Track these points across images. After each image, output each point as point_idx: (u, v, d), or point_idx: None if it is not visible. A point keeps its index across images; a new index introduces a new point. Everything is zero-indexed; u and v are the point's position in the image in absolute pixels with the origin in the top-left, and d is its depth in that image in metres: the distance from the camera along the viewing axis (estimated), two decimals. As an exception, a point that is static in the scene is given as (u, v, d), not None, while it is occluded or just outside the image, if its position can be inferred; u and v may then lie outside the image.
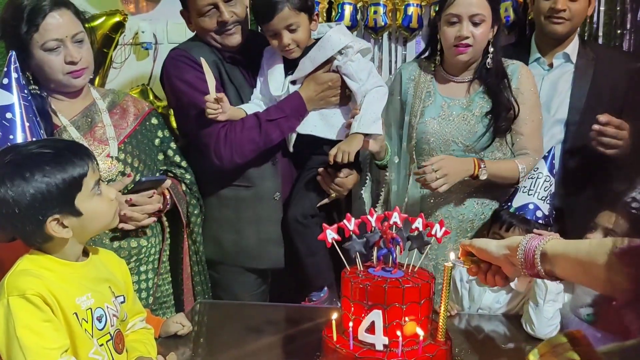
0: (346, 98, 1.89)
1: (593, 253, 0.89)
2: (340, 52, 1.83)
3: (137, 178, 1.74)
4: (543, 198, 1.79)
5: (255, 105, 1.90)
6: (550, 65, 2.11)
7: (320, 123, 1.88)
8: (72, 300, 1.20)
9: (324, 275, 1.90)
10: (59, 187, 1.17)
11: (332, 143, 1.87)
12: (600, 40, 2.37)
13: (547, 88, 2.09)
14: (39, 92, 1.65)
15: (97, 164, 1.27)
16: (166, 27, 2.60)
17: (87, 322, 1.22)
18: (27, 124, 1.47)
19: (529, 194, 1.80)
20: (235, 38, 1.89)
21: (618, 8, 2.40)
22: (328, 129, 1.88)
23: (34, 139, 1.45)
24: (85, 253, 1.30)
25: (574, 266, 0.95)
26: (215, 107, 1.76)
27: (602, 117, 1.87)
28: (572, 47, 2.10)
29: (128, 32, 2.56)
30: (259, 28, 1.95)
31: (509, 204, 1.83)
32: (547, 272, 1.00)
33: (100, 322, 1.24)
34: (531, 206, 1.79)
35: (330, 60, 1.84)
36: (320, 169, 1.89)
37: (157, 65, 2.61)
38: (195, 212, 1.94)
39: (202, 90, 1.80)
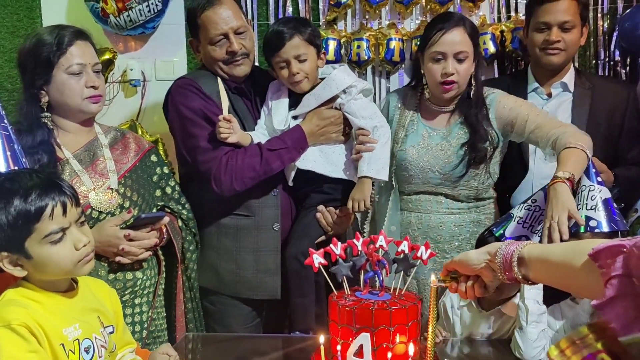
0: (346, 136, 1.94)
1: (567, 255, 0.91)
2: (344, 91, 1.89)
3: (136, 211, 1.76)
4: (537, 232, 1.78)
5: (260, 134, 1.94)
6: (549, 95, 2.17)
7: (320, 159, 1.91)
8: (59, 331, 1.19)
9: (309, 320, 1.90)
10: (3, 229, 1.16)
11: (332, 181, 1.91)
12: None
13: None
14: (47, 124, 1.71)
15: (75, 206, 1.23)
16: (154, 64, 2.66)
17: (74, 353, 1.20)
18: (8, 153, 1.49)
19: (523, 226, 1.77)
20: (242, 69, 1.94)
21: (592, 40, 2.50)
22: (328, 166, 1.91)
23: (15, 168, 1.46)
24: (75, 282, 1.30)
25: (549, 269, 0.97)
26: (227, 126, 1.80)
27: None
28: (569, 77, 2.16)
29: (117, 70, 2.61)
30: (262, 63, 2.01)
31: (502, 232, 1.81)
32: (524, 277, 1.02)
33: (87, 353, 1.23)
34: (524, 239, 1.77)
35: (333, 99, 1.90)
36: (320, 207, 1.92)
37: (145, 102, 2.66)
38: (191, 248, 1.94)
39: (208, 118, 1.85)
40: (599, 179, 1.75)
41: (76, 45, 1.71)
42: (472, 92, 1.93)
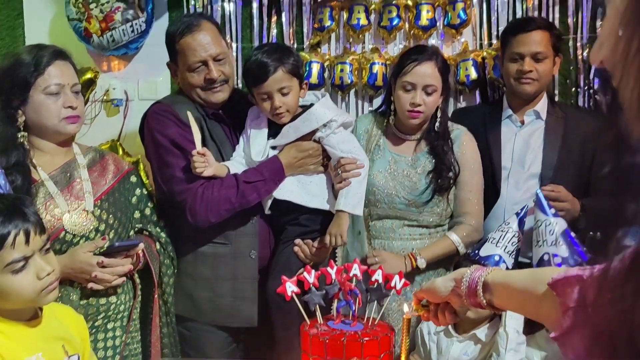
0: (324, 167, 1.93)
1: (530, 283, 0.91)
2: (324, 125, 1.87)
3: (112, 234, 1.73)
4: (509, 252, 1.82)
5: (237, 163, 1.91)
6: (522, 122, 2.20)
7: (297, 189, 1.89)
8: (20, 361, 1.16)
9: (293, 353, 1.86)
10: None
11: (309, 212, 1.89)
12: (556, 98, 2.48)
13: (520, 144, 2.18)
14: (24, 144, 1.68)
15: (39, 234, 1.20)
16: (137, 84, 2.65)
17: (35, 382, 1.17)
18: None
19: (496, 245, 1.84)
20: (220, 95, 1.91)
21: (572, 68, 2.53)
22: (305, 196, 1.89)
23: None
24: (40, 309, 1.26)
25: (512, 295, 0.96)
26: (202, 160, 1.76)
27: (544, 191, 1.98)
28: (542, 105, 2.21)
29: (99, 89, 2.60)
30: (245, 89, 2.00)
31: (476, 252, 1.86)
32: (489, 302, 1.01)
33: (50, 382, 1.20)
34: (496, 257, 1.82)
35: (313, 131, 1.88)
36: (297, 241, 1.91)
37: (127, 121, 2.64)
38: (168, 272, 1.91)
39: (183, 147, 1.81)
40: (553, 211, 1.75)
41: (55, 66, 1.69)
42: (437, 125, 2.01)
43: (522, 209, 1.87)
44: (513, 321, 1.59)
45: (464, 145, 2.05)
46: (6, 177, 1.59)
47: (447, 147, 2.01)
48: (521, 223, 1.85)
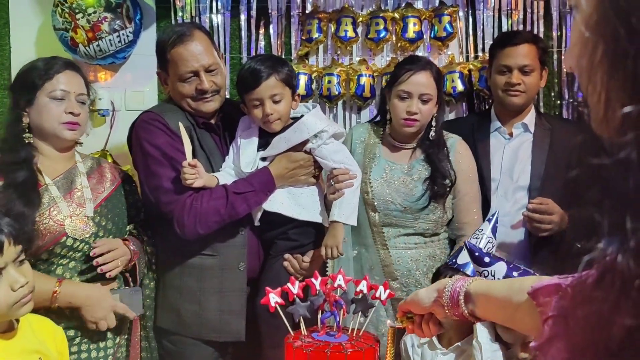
0: (315, 178, 1.91)
1: (510, 292, 0.90)
2: (315, 136, 1.85)
3: (110, 238, 1.78)
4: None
5: (227, 174, 1.88)
6: (511, 135, 2.23)
7: (287, 201, 1.87)
8: (-4, 375, 1.14)
9: None
10: None
11: (298, 226, 1.88)
12: (541, 110, 2.51)
13: (508, 156, 2.20)
14: (31, 144, 1.73)
15: (13, 245, 1.18)
16: (124, 94, 2.64)
17: (12, 396, 1.15)
18: None
19: None
20: (211, 105, 1.89)
21: (556, 81, 2.57)
22: (296, 208, 1.87)
23: None
24: (16, 320, 1.24)
25: (494, 305, 0.95)
26: (192, 172, 1.73)
27: (530, 205, 2.04)
28: (530, 118, 2.24)
29: (85, 99, 2.58)
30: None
31: (454, 260, 1.86)
32: (471, 313, 1.00)
33: (27, 396, 1.18)
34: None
35: (304, 142, 1.86)
36: (286, 255, 1.89)
37: (113, 132, 2.63)
38: (146, 271, 1.92)
39: (172, 157, 1.79)
40: (487, 259, 1.63)
41: (64, 74, 1.77)
42: (432, 133, 2.04)
43: (492, 215, 1.88)
44: (485, 331, 1.58)
45: (460, 154, 2.07)
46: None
47: (443, 154, 2.03)
48: (494, 229, 1.85)
